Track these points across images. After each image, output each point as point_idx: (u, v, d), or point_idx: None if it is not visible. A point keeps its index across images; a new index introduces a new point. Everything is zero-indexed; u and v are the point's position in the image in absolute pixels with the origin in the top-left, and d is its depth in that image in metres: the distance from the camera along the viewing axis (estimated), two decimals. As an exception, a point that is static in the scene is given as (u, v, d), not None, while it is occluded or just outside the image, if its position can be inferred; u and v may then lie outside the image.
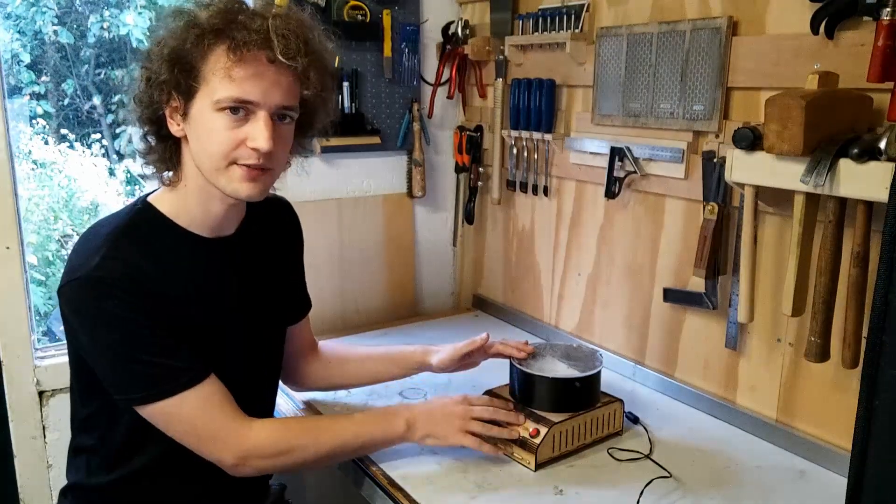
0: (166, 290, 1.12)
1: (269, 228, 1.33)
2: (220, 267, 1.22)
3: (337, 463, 1.31)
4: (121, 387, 1.12)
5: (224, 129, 1.08)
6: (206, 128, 1.09)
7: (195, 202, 1.17)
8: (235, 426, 1.15)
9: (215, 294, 1.20)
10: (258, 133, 1.08)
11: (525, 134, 1.87)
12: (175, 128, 1.13)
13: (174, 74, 1.08)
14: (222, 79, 1.07)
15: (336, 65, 1.22)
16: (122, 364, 1.10)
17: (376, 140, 2.00)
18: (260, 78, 1.08)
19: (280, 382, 1.47)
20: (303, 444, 1.20)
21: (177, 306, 1.13)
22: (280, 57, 1.07)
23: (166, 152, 1.16)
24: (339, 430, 1.24)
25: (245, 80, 1.07)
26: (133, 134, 1.19)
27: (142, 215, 1.17)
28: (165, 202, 1.18)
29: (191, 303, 1.15)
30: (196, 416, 1.13)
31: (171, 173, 1.17)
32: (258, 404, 1.27)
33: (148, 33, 1.14)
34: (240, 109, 1.08)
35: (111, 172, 2.88)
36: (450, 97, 2.09)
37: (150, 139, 1.17)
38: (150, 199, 1.20)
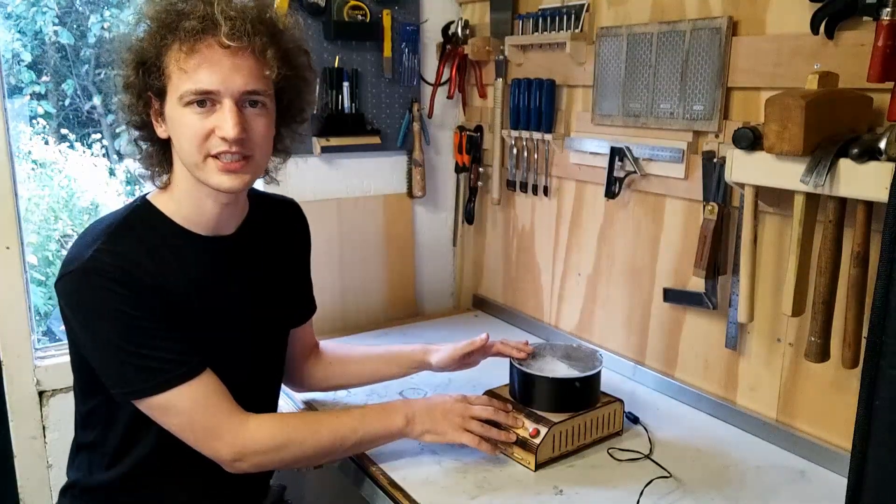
0: (162, 285, 1.11)
1: (275, 229, 1.33)
2: (218, 265, 1.21)
3: (335, 459, 1.31)
4: (116, 380, 1.11)
5: (193, 123, 1.08)
6: (178, 125, 1.09)
7: (188, 202, 1.17)
8: (232, 421, 1.14)
9: (214, 292, 1.20)
10: (224, 121, 1.07)
11: (525, 134, 1.87)
12: (160, 130, 1.13)
13: (140, 76, 1.08)
14: (179, 73, 1.06)
15: (303, 44, 1.17)
16: (116, 357, 1.09)
17: (376, 140, 2.00)
18: (216, 65, 1.06)
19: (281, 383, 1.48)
20: (300, 439, 1.19)
21: (173, 301, 1.12)
22: (227, 40, 1.04)
23: (156, 156, 1.17)
24: (338, 425, 1.23)
25: (200, 70, 1.05)
26: (125, 140, 1.19)
27: (139, 212, 1.17)
28: (163, 200, 1.19)
29: (188, 299, 1.15)
30: (192, 409, 1.12)
31: (165, 177, 1.18)
32: (260, 405, 1.26)
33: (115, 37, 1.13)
34: (205, 101, 1.07)
35: (111, 172, 2.88)
36: (450, 97, 2.09)
37: (140, 144, 1.17)
38: (148, 196, 1.20)
